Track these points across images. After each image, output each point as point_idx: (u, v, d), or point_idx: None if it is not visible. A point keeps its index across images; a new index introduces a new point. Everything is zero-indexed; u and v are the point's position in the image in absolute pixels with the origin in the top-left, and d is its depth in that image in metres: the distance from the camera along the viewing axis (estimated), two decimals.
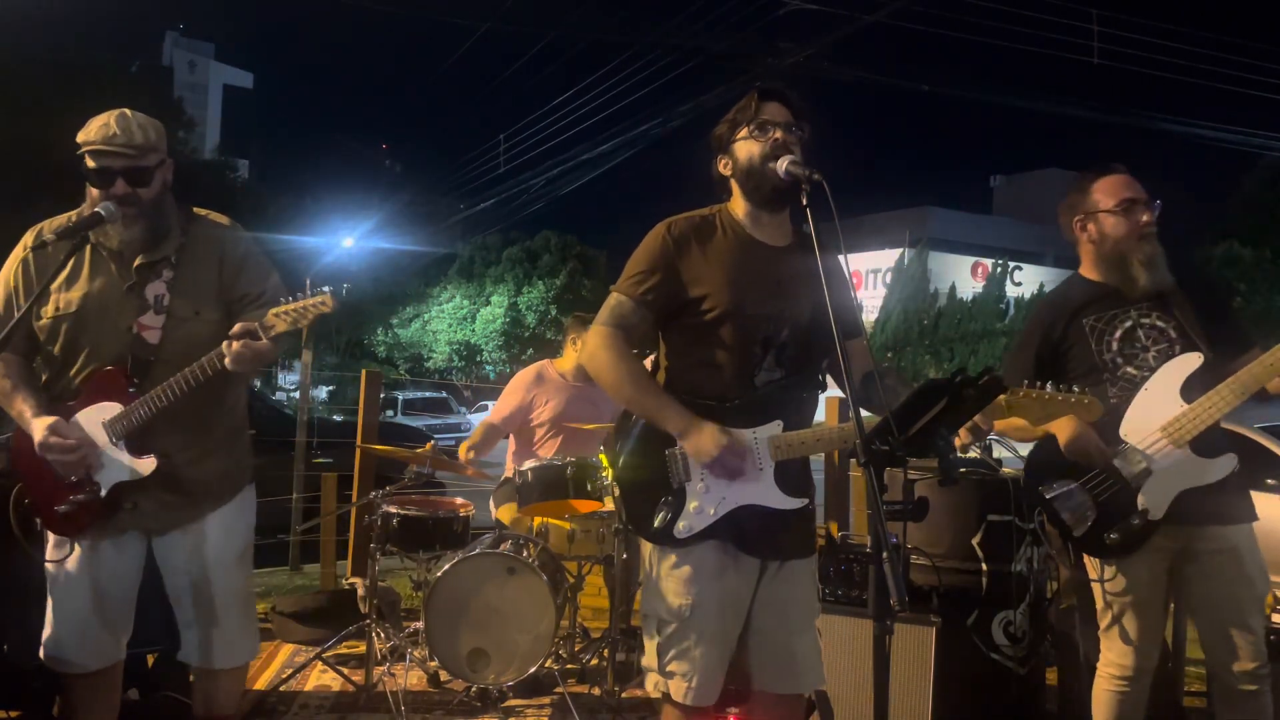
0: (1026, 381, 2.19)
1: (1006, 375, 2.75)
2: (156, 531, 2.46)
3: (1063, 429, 2.59)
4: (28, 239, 2.43)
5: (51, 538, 2.44)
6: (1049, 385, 2.20)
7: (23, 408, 2.37)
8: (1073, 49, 16.40)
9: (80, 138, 2.35)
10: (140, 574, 2.49)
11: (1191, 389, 2.53)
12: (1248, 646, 2.51)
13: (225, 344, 2.24)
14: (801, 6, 14.38)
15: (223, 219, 2.55)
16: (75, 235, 2.32)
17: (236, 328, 2.24)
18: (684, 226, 2.27)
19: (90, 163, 2.33)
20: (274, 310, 2.25)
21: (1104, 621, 2.69)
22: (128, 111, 2.38)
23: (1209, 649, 2.61)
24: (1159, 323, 2.62)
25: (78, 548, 2.40)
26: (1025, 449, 3.88)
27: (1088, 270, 2.74)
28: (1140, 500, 2.55)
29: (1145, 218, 2.60)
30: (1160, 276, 2.61)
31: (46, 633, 2.44)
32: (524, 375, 4.54)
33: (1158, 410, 2.55)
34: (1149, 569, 2.61)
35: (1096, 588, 2.68)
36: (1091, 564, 2.69)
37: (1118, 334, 2.64)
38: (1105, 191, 2.65)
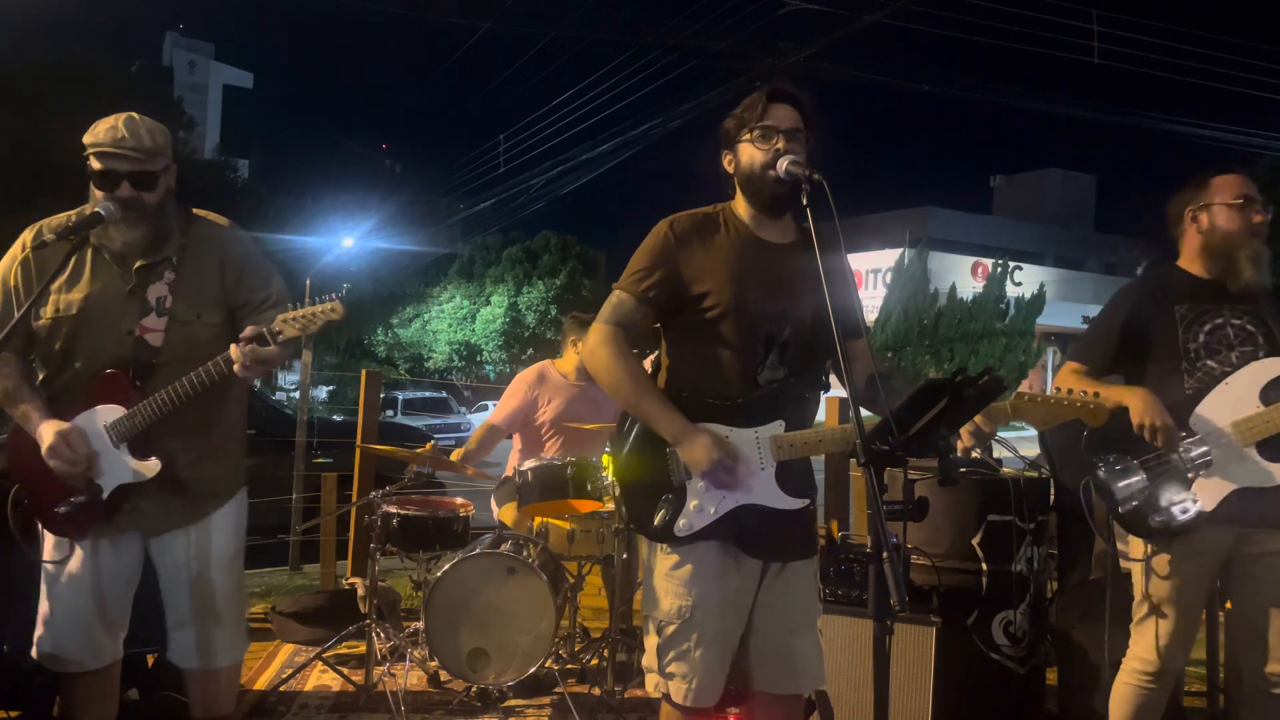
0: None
1: (1083, 348, 2.81)
2: (155, 532, 2.45)
3: (1137, 403, 2.60)
4: (27, 237, 2.42)
5: (50, 538, 2.43)
6: (1051, 388, 2.22)
7: (29, 409, 2.35)
8: (1073, 49, 16.44)
9: (87, 139, 2.33)
10: (138, 573, 2.49)
11: (1272, 393, 2.56)
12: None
13: (234, 349, 2.22)
14: (801, 6, 14.39)
15: (222, 220, 2.54)
16: (75, 235, 2.30)
17: (246, 331, 2.22)
18: (686, 224, 2.27)
19: (96, 164, 2.32)
20: (282, 316, 2.23)
21: (1138, 614, 2.69)
22: (135, 115, 2.36)
23: (1240, 649, 2.63)
24: (1249, 326, 2.65)
25: (79, 549, 2.39)
26: (1025, 449, 3.89)
27: (1188, 263, 2.77)
28: (1193, 489, 2.57)
29: (1259, 217, 2.66)
30: (1262, 276, 2.65)
31: (40, 632, 2.43)
32: (525, 375, 4.54)
33: (1233, 406, 2.58)
34: (1195, 569, 2.62)
35: (1136, 579, 2.69)
36: (1135, 544, 2.70)
37: (1206, 327, 2.67)
38: (1224, 187, 2.71)
